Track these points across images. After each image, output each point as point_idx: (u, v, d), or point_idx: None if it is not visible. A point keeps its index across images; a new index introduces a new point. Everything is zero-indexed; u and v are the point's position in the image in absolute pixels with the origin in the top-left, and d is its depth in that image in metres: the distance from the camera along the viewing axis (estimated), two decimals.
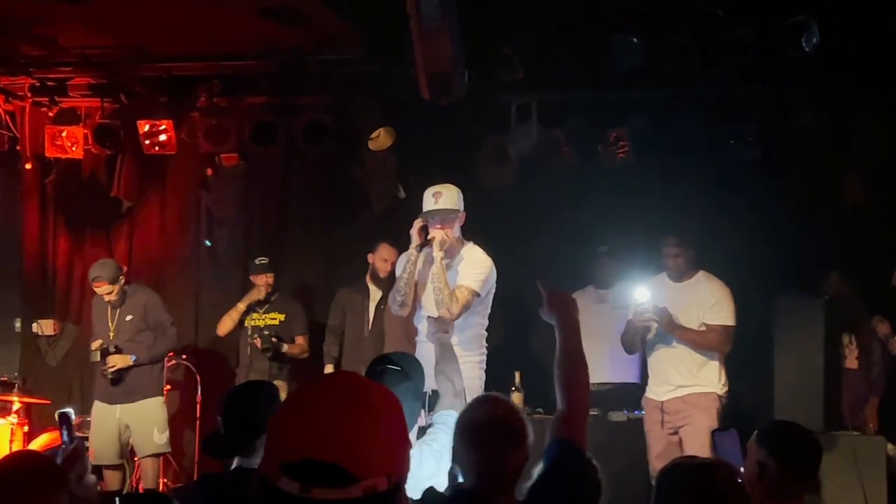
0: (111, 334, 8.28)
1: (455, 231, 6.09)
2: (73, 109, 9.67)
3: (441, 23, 7.27)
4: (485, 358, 6.17)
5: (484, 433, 3.12)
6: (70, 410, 4.27)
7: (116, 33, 8.50)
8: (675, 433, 7.39)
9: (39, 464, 2.90)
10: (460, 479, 3.25)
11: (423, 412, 4.25)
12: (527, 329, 8.47)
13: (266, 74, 9.20)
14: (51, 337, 10.00)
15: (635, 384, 7.97)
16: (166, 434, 8.36)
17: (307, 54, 8.78)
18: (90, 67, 9.11)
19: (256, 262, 8.95)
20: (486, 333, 6.20)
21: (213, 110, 9.35)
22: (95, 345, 8.29)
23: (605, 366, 8.27)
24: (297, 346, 8.89)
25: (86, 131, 9.49)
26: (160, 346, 8.41)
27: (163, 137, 9.35)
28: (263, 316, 8.85)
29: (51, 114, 9.69)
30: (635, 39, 7.70)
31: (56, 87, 9.53)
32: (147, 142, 9.35)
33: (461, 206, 6.11)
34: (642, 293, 7.29)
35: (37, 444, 8.12)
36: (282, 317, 8.87)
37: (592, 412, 8.04)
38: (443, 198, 6.06)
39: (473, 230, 8.58)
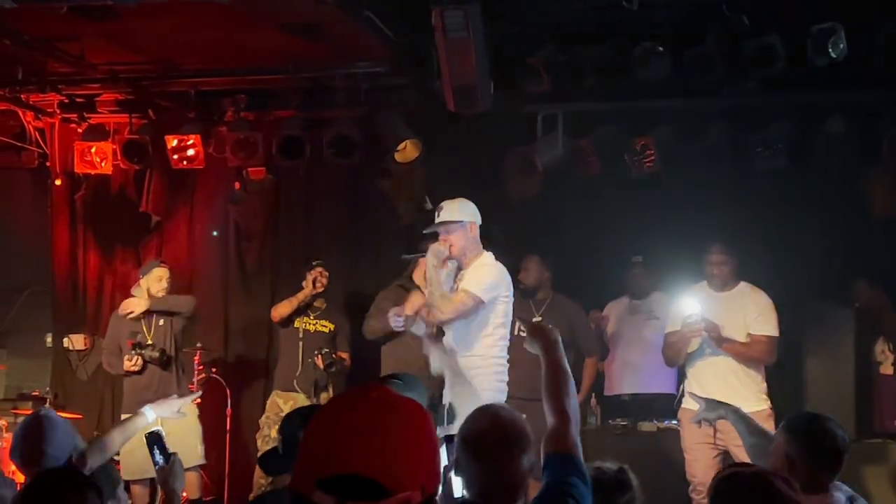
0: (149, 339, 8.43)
1: (461, 241, 6.12)
2: (101, 125, 9.74)
3: (467, 35, 7.30)
4: (504, 369, 6.13)
5: (486, 443, 3.07)
6: (160, 429, 4.27)
7: (144, 49, 8.57)
8: (724, 450, 7.26)
9: (74, 479, 2.92)
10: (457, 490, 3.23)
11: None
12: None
13: (293, 89, 9.25)
14: (81, 352, 10.05)
15: (669, 394, 7.92)
16: (203, 445, 8.39)
17: (333, 68, 8.82)
18: (118, 83, 9.18)
19: (314, 262, 8.96)
20: (505, 343, 6.14)
21: (241, 125, 9.40)
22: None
23: (638, 376, 8.25)
24: (346, 361, 8.89)
25: (114, 147, 9.55)
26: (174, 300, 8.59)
27: (191, 152, 9.41)
28: (315, 322, 8.84)
29: (80, 130, 9.77)
30: (661, 49, 7.69)
31: (85, 103, 9.62)
32: (175, 156, 9.41)
33: (465, 217, 6.15)
34: (692, 305, 7.22)
35: None
36: (332, 326, 8.86)
37: (622, 422, 8.08)
38: (444, 210, 6.18)
39: (501, 241, 8.61)
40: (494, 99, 7.92)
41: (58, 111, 9.72)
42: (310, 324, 8.81)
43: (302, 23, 7.81)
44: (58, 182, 9.99)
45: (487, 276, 6.07)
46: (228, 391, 9.15)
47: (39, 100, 9.56)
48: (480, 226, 6.31)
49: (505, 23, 7.80)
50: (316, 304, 8.86)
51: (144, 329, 8.39)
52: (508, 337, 6.17)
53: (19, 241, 10.19)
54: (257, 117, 9.54)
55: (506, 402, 6.04)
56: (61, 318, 10.10)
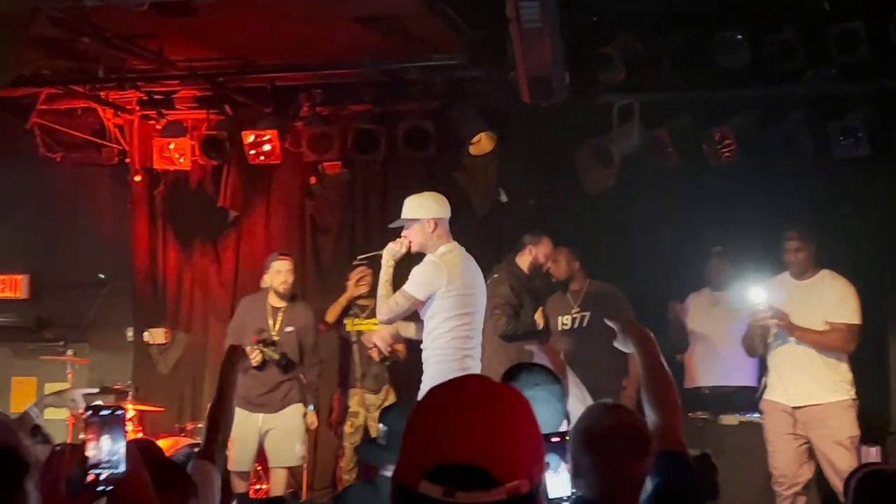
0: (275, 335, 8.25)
1: (418, 237, 6.19)
2: (179, 122, 9.85)
3: (541, 26, 7.26)
4: (454, 360, 6.07)
5: (612, 441, 2.99)
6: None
7: (221, 45, 8.66)
8: (807, 441, 7.22)
9: (173, 469, 2.94)
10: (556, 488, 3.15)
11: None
12: None
13: (367, 83, 9.27)
14: (162, 345, 10.17)
15: (751, 387, 7.82)
16: (305, 447, 8.37)
17: (408, 61, 8.83)
18: (196, 80, 9.29)
19: (355, 262, 8.94)
20: (459, 336, 6.07)
21: (316, 119, 9.46)
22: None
23: (719, 369, 8.15)
24: (401, 352, 8.89)
25: (193, 143, 9.66)
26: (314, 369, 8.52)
27: (267, 147, 9.49)
28: (366, 321, 8.85)
29: (158, 126, 9.90)
30: (740, 36, 7.60)
31: (163, 99, 9.74)
32: (252, 152, 9.50)
33: (420, 214, 6.19)
34: (758, 294, 7.14)
35: None
36: None
37: (702, 415, 8.00)
38: (403, 208, 6.29)
39: (575, 234, 8.59)
40: (570, 90, 7.88)
41: (137, 108, 9.88)
42: (361, 324, 8.79)
43: (377, 16, 7.83)
44: (137, 178, 10.13)
45: (420, 274, 6.12)
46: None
47: (119, 97, 9.72)
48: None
49: (580, 12, 7.76)
50: (363, 303, 8.84)
51: (272, 327, 8.28)
52: (468, 327, 6.11)
53: (100, 237, 10.35)
54: (332, 112, 9.59)
55: None
56: (142, 312, 10.24)
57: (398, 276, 6.25)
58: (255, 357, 8.01)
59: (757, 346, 7.39)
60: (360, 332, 8.74)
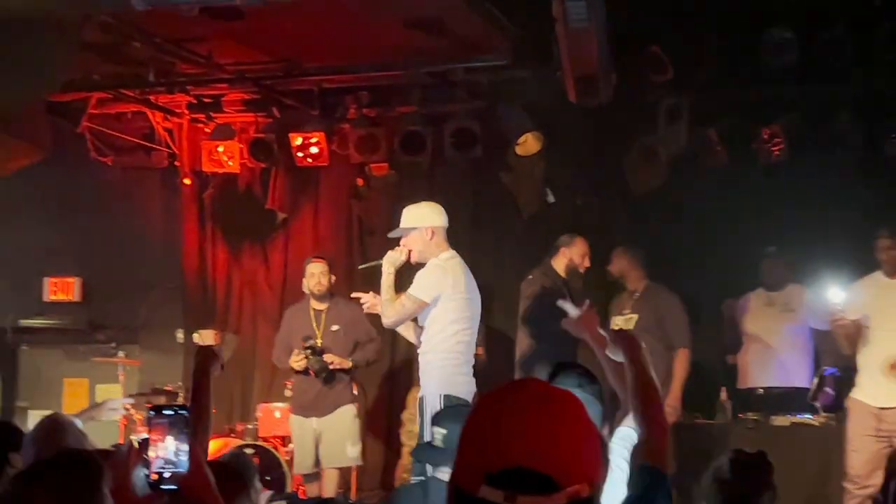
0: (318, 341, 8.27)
1: (418, 245, 6.37)
2: (228, 125, 9.92)
3: (588, 25, 7.23)
4: (459, 363, 6.24)
5: None
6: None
7: (268, 49, 8.71)
8: (891, 445, 7.07)
9: (222, 469, 2.97)
10: None
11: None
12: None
13: (414, 84, 9.30)
14: None
15: (805, 388, 7.75)
16: (358, 447, 8.40)
17: (454, 63, 8.84)
18: (244, 83, 9.35)
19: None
20: (463, 339, 6.25)
21: (363, 121, 9.51)
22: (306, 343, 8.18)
23: (773, 369, 8.09)
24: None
25: (241, 145, 9.75)
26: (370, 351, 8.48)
27: (314, 149, 9.57)
28: None
29: (207, 129, 9.98)
30: (789, 34, 7.54)
31: (212, 103, 9.83)
32: (300, 154, 9.58)
33: (418, 223, 6.40)
34: (836, 294, 7.06)
35: None
36: None
37: (753, 416, 7.93)
38: (402, 217, 6.50)
39: (623, 234, 8.56)
40: (616, 89, 7.85)
41: (186, 112, 9.97)
42: None
43: (422, 17, 7.84)
44: (187, 181, 10.23)
45: (426, 277, 6.28)
46: (354, 385, 9.23)
47: (168, 101, 9.83)
48: None
49: (627, 11, 7.72)
50: None
51: (317, 332, 8.29)
52: (470, 332, 6.30)
53: (150, 240, 10.44)
54: (379, 114, 9.63)
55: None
56: (191, 314, 10.32)
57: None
58: (299, 362, 8.10)
59: (843, 346, 7.30)
60: None
